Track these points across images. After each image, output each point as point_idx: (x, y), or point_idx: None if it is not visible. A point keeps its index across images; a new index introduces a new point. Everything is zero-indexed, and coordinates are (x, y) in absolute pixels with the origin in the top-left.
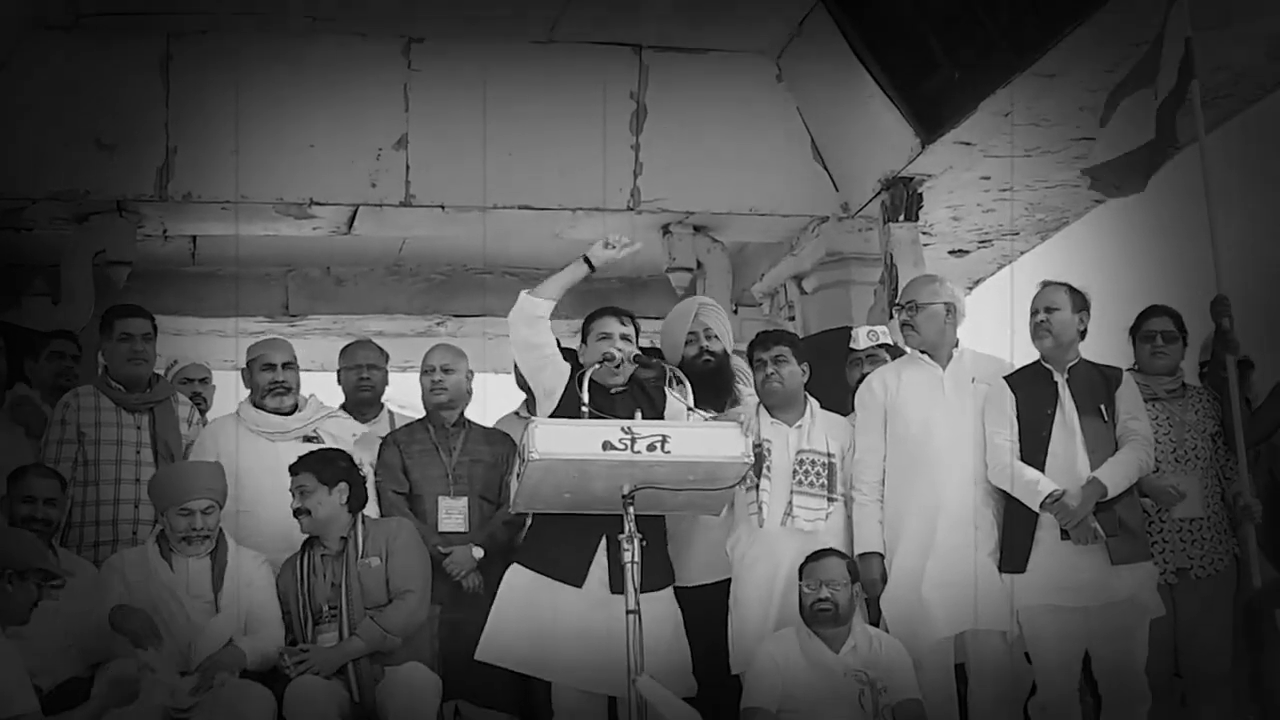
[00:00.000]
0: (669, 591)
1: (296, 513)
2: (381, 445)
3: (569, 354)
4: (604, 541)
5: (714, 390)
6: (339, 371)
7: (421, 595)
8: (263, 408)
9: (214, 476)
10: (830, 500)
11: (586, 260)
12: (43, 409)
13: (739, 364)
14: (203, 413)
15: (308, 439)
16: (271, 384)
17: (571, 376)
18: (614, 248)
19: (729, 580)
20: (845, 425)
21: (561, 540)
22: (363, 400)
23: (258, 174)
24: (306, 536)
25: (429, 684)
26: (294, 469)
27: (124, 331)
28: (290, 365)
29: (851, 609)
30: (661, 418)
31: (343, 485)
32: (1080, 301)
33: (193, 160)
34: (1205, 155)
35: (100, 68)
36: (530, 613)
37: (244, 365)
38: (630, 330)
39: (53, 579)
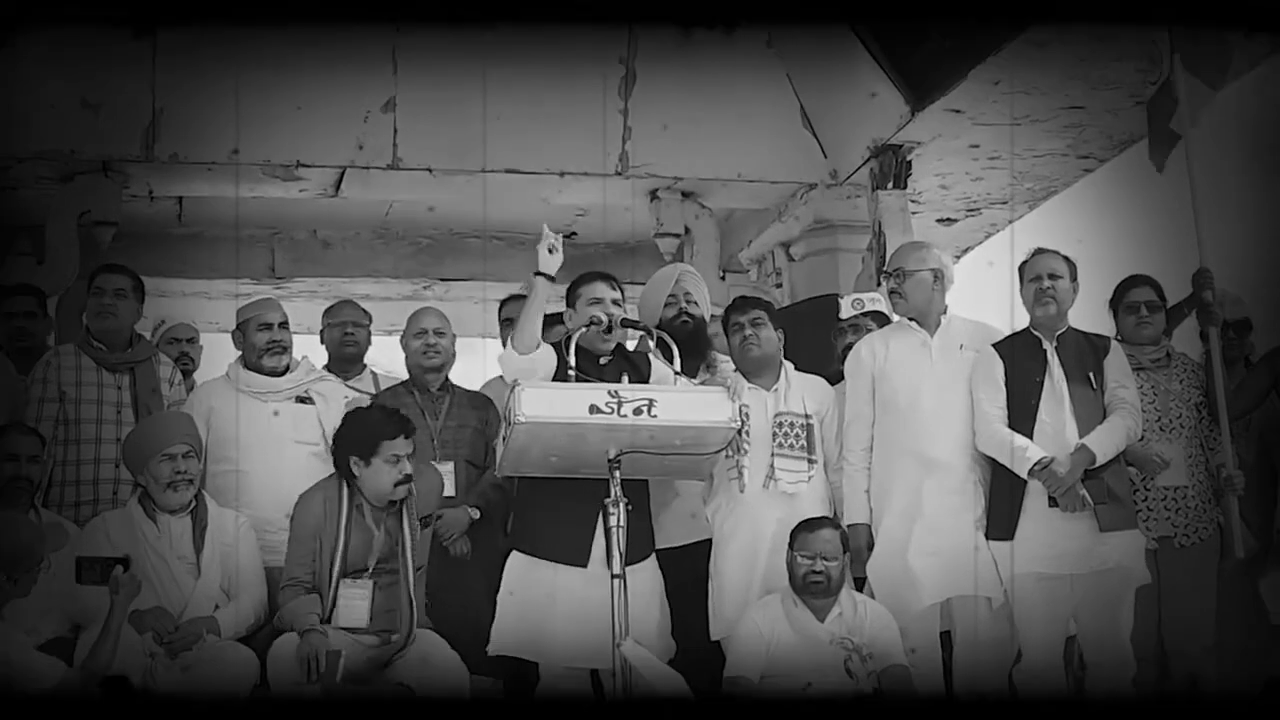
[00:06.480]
0: (652, 559)
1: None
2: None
3: (555, 318)
4: (601, 517)
5: (689, 353)
6: (323, 330)
7: None
8: (258, 368)
9: (188, 424)
10: (810, 462)
11: (540, 274)
12: None
13: (718, 331)
14: (187, 374)
15: (300, 400)
16: (269, 343)
17: (557, 347)
18: (554, 249)
19: (708, 541)
20: (822, 387)
21: (559, 521)
22: (346, 357)
23: (245, 135)
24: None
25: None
26: (388, 434)
27: (97, 286)
28: (285, 324)
29: (843, 580)
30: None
31: None
32: (1074, 269)
33: (179, 121)
34: (1186, 126)
35: (87, 27)
36: (535, 599)
37: (235, 327)
38: (619, 295)
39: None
